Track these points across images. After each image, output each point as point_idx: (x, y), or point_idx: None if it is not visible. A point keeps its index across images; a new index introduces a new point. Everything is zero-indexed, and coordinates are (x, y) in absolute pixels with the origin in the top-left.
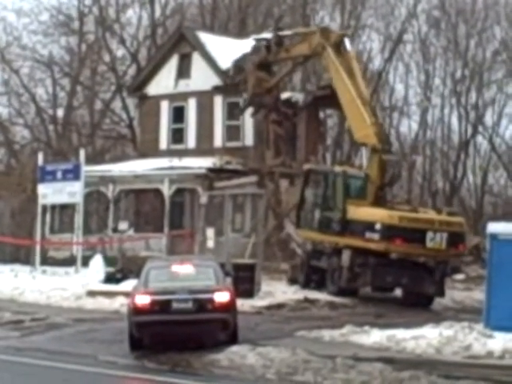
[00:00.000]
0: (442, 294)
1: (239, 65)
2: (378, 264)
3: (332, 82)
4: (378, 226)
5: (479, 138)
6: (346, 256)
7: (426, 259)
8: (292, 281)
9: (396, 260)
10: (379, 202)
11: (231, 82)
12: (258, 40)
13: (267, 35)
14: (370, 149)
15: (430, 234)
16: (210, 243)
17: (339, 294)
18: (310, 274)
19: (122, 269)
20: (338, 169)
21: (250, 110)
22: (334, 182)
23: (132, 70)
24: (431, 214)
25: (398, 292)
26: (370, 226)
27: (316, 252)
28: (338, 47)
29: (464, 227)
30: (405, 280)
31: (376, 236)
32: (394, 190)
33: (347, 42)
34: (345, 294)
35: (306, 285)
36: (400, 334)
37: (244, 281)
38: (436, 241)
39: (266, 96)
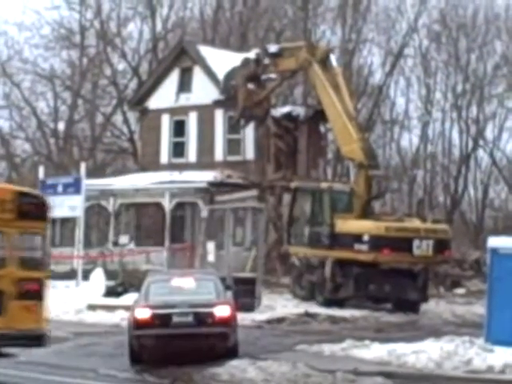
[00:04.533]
0: (425, 299)
1: (229, 78)
2: (360, 274)
3: (319, 97)
4: (365, 238)
5: (480, 152)
6: (328, 267)
7: (409, 266)
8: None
9: (378, 269)
10: (366, 215)
11: (225, 94)
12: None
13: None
14: (357, 164)
15: (416, 242)
16: (211, 257)
17: (326, 305)
18: (306, 288)
19: (122, 282)
20: (324, 185)
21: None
22: (321, 198)
23: (133, 84)
24: (416, 223)
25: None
26: (358, 237)
27: (308, 266)
28: (324, 63)
29: (449, 234)
30: (387, 288)
31: (364, 247)
32: (394, 204)
33: (333, 58)
34: (331, 305)
35: (304, 297)
36: (400, 348)
37: (244, 295)
38: (422, 248)
39: (256, 108)
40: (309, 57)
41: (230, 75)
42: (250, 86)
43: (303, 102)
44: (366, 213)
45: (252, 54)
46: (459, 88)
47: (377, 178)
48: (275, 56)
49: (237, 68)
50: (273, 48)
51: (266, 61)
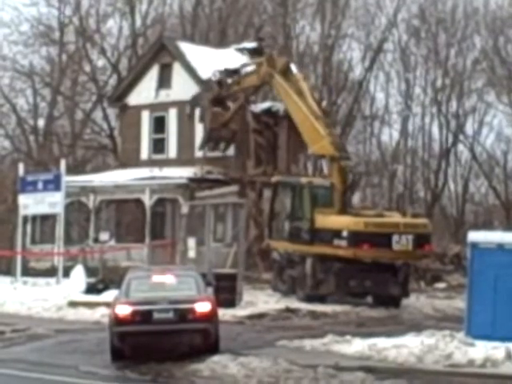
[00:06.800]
0: (406, 294)
1: (194, 104)
2: (340, 269)
3: (285, 105)
4: (344, 233)
5: (460, 147)
6: (308, 263)
7: (390, 261)
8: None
9: (359, 264)
10: (346, 209)
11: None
12: (240, 50)
13: (248, 44)
14: (329, 158)
15: (395, 237)
16: (192, 253)
17: (307, 301)
18: (287, 282)
19: (103, 279)
20: (304, 180)
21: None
22: (301, 192)
23: (113, 80)
24: (396, 218)
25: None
26: (337, 233)
27: (289, 261)
28: (285, 72)
29: (429, 228)
30: (368, 283)
31: (343, 243)
32: (375, 199)
33: (293, 66)
34: (312, 300)
35: (285, 292)
36: (381, 342)
37: (225, 290)
38: (402, 243)
39: (223, 130)
40: (270, 69)
41: (195, 101)
42: (216, 108)
43: None
44: (346, 207)
45: (213, 76)
46: (439, 83)
47: (349, 168)
48: (236, 73)
49: (201, 93)
50: (233, 67)
51: (229, 80)
